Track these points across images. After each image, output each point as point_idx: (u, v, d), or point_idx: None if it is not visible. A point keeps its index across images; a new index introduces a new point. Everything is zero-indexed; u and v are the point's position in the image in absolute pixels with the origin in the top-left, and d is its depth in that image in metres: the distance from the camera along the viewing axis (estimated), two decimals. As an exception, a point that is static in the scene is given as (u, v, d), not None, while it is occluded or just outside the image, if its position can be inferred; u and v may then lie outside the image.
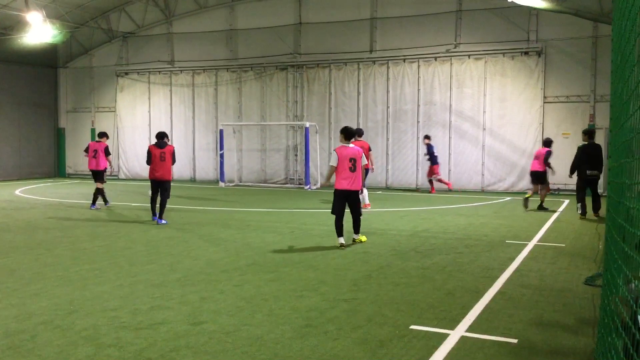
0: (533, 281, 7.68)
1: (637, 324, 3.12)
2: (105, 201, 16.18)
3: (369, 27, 23.31)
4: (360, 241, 10.55)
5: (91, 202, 15.92)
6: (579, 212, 13.93)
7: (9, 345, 5.21)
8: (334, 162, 10.06)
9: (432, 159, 20.77)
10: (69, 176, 29.53)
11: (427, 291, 7.14)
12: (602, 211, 13.32)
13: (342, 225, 10.19)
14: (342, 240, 10.13)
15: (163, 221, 12.98)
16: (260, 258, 9.15)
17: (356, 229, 10.53)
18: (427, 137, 21.04)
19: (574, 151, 14.61)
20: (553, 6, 18.53)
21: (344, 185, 10.02)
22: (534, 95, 20.93)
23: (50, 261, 8.87)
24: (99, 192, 15.80)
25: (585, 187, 13.94)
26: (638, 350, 2.97)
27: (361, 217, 10.55)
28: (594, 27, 19.93)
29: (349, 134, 10.26)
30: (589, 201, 14.04)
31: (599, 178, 13.99)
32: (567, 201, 17.79)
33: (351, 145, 10.23)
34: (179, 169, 27.07)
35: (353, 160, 10.01)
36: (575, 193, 14.88)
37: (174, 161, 13.90)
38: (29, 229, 12.18)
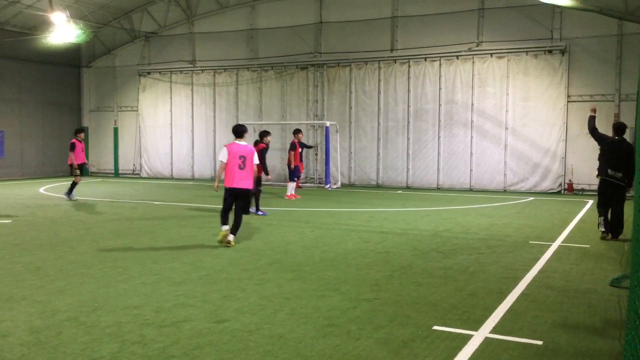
0: (557, 282, 7.58)
1: None
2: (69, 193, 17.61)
3: (390, 25, 23.22)
4: (230, 244, 9.92)
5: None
6: (601, 229, 10.85)
7: (34, 341, 5.28)
8: (223, 158, 9.98)
9: None
10: (92, 174, 29.88)
11: (450, 292, 7.09)
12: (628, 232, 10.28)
13: (227, 216, 10.08)
14: (225, 227, 10.01)
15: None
16: (281, 257, 9.16)
17: (234, 229, 10.05)
18: None
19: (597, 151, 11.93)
20: (577, 4, 18.27)
21: (232, 183, 9.95)
22: (558, 94, 20.67)
23: (74, 259, 8.97)
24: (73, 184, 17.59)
25: (605, 193, 10.73)
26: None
27: (240, 220, 10.18)
28: (619, 25, 19.63)
29: (238, 132, 10.24)
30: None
31: (625, 185, 10.58)
32: (590, 201, 17.54)
33: (243, 143, 10.17)
34: (200, 168, 27.26)
35: (243, 158, 9.97)
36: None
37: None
38: (53, 226, 12.34)
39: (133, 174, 28.76)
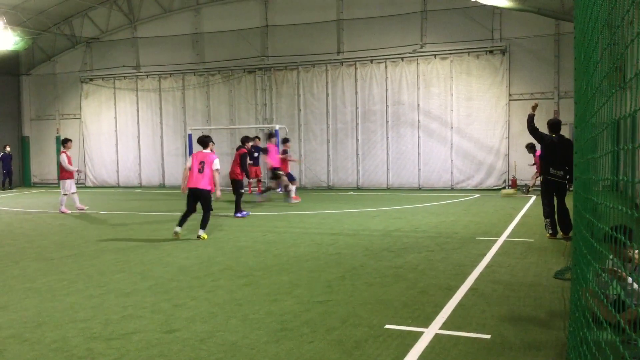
0: (504, 276, 7.78)
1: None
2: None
3: (336, 28, 23.38)
4: (200, 237, 11.29)
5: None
6: (548, 231, 10.72)
7: (-25, 361, 5.06)
8: (187, 164, 11.55)
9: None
10: (35, 185, 28.92)
11: (401, 290, 7.18)
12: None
13: (185, 218, 11.46)
14: (177, 229, 11.40)
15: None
16: (233, 263, 9.08)
17: (202, 225, 11.40)
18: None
19: (538, 148, 12.68)
20: (516, 5, 18.84)
21: (191, 183, 11.29)
22: (500, 93, 21.25)
23: (17, 273, 8.66)
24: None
25: (549, 193, 10.64)
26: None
27: (208, 215, 11.43)
28: (556, 24, 20.35)
29: (201, 142, 11.74)
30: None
31: (566, 183, 10.52)
32: (534, 197, 18.09)
33: (206, 151, 11.55)
34: (148, 175, 26.76)
35: (202, 163, 11.31)
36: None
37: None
38: (-6, 240, 11.88)
39: (77, 183, 27.93)
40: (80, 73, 27.65)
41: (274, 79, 24.37)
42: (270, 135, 18.66)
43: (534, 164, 19.10)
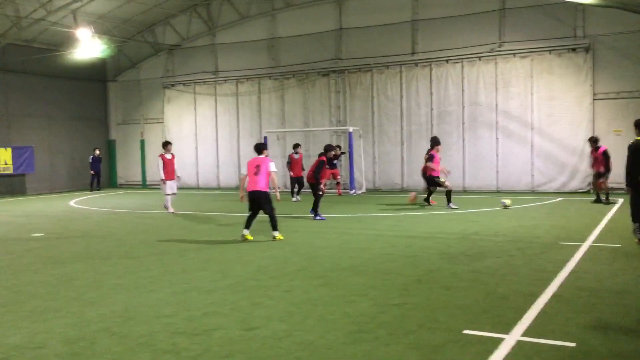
0: (589, 283, 7.47)
1: None
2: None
3: (410, 29, 23.17)
4: (276, 238, 11.38)
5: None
6: (637, 236, 10.16)
7: (69, 352, 5.37)
8: (245, 171, 11.92)
9: None
10: (121, 186, 30.31)
11: (479, 295, 7.03)
12: None
13: (249, 221, 11.59)
14: (244, 232, 11.53)
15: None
16: (309, 264, 9.18)
17: (273, 226, 11.51)
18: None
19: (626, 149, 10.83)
20: (600, 1, 18.05)
21: (250, 187, 11.48)
22: (583, 92, 20.41)
23: (106, 270, 9.12)
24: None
25: (638, 199, 9.99)
26: None
27: (273, 216, 11.46)
28: (644, 20, 19.33)
29: (256, 148, 11.99)
30: None
31: None
32: (621, 200, 17.23)
33: (261, 156, 11.71)
34: (226, 177, 27.48)
35: (258, 167, 11.44)
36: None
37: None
38: (85, 238, 12.55)
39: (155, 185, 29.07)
40: (163, 79, 28.75)
41: (348, 81, 24.44)
42: (435, 141, 17.49)
43: (594, 164, 16.76)
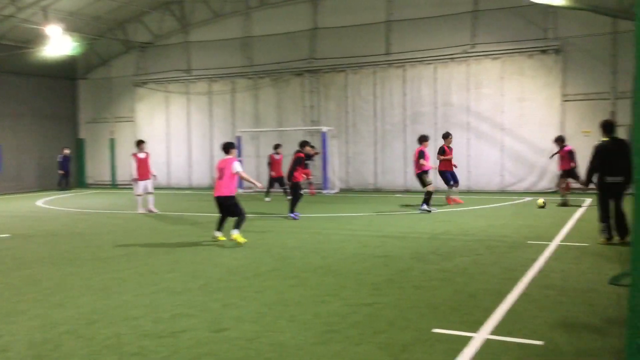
0: (557, 282, 7.58)
1: None
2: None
3: (384, 29, 23.27)
4: (232, 238, 10.93)
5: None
6: (603, 234, 10.34)
7: (34, 355, 5.26)
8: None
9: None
10: (90, 186, 29.86)
11: (449, 294, 7.08)
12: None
13: (221, 222, 11.41)
14: (216, 233, 11.37)
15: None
16: (281, 264, 9.15)
17: (235, 224, 11.10)
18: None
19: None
20: (571, 3, 18.34)
21: (215, 191, 11.28)
22: (553, 93, 20.73)
23: (73, 271, 8.96)
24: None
25: (607, 200, 10.17)
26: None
27: (240, 218, 11.11)
28: (613, 23, 19.69)
29: (224, 148, 11.49)
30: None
31: (624, 187, 9.91)
32: (589, 200, 17.54)
33: (228, 156, 11.29)
34: (199, 177, 27.26)
35: (222, 170, 11.18)
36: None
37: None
38: (51, 239, 12.32)
39: (130, 184, 28.71)
40: (134, 77, 28.40)
41: (322, 81, 24.44)
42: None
43: (553, 156, 17.28)
